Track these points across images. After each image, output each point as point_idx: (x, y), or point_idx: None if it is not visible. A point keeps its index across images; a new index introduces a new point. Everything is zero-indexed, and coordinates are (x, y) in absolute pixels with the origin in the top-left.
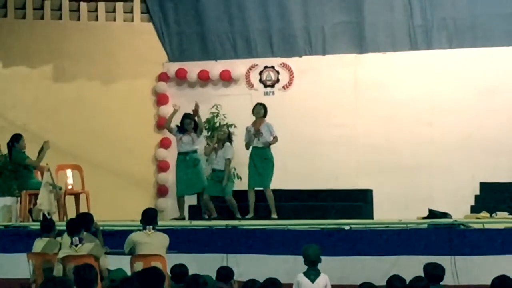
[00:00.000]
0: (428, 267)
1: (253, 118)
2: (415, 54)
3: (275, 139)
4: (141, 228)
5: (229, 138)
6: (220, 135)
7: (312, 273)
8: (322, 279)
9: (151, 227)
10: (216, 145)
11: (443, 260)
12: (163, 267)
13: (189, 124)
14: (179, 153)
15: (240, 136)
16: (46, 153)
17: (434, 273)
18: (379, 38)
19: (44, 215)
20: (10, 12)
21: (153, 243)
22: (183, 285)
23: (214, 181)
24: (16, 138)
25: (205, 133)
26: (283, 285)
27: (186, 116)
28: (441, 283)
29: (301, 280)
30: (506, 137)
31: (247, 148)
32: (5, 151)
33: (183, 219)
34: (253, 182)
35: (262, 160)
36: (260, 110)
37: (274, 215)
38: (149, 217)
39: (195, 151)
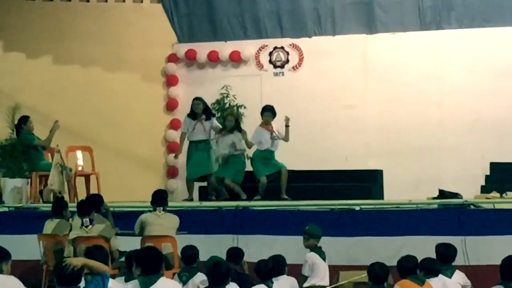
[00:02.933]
0: (440, 248)
1: (263, 99)
2: (424, 35)
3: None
4: (151, 209)
5: (237, 125)
6: (227, 123)
7: (322, 252)
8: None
9: (161, 208)
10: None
11: (454, 241)
12: (173, 248)
13: (198, 105)
14: (191, 142)
15: (249, 116)
16: (56, 133)
17: (446, 253)
18: (389, 19)
19: (56, 196)
20: None
21: (163, 224)
22: (207, 272)
23: (223, 164)
24: (23, 120)
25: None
26: (293, 266)
27: (196, 98)
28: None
29: (316, 261)
30: None
31: (250, 147)
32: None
33: (191, 200)
34: (267, 170)
35: (275, 157)
36: (267, 116)
37: (284, 195)
38: (159, 199)
39: (207, 142)
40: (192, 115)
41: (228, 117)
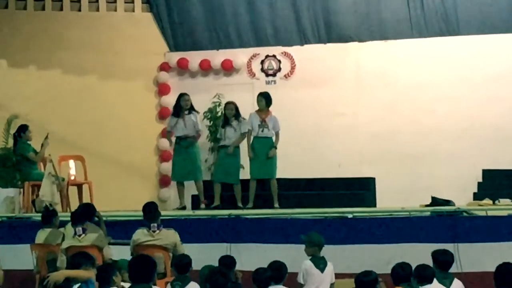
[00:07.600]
0: (437, 254)
1: (255, 108)
2: (417, 42)
3: (278, 136)
4: (144, 223)
5: (237, 112)
6: (228, 112)
7: (321, 262)
8: (329, 268)
9: (155, 225)
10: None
11: (446, 248)
12: (166, 257)
13: (187, 100)
14: (176, 137)
15: None
16: (47, 147)
17: (443, 259)
18: (381, 26)
19: (46, 206)
20: (11, 3)
21: (158, 243)
22: (208, 278)
23: (222, 167)
24: (22, 129)
25: (207, 122)
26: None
27: (182, 94)
28: None
29: (310, 270)
30: (509, 124)
31: (248, 134)
32: (9, 143)
33: (184, 208)
34: (257, 172)
35: (266, 150)
36: (260, 102)
37: (276, 205)
38: (150, 212)
39: (188, 136)
40: (176, 112)
41: (228, 105)
